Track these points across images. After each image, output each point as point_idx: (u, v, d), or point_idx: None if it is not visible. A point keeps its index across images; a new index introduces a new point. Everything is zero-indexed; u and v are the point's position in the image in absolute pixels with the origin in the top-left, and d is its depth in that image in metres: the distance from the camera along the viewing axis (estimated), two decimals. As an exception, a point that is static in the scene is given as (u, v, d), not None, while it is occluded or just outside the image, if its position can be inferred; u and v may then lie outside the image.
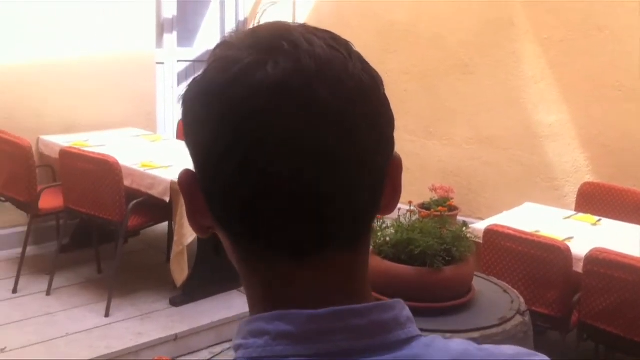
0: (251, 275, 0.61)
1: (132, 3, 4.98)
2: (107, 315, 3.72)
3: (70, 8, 4.70)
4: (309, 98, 0.55)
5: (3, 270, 4.25)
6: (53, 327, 3.60)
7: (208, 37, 6.09)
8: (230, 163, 0.56)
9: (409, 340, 0.59)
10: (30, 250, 4.26)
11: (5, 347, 3.37)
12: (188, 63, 5.78)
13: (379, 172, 0.60)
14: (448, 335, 2.36)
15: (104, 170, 3.68)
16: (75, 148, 3.98)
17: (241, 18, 5.94)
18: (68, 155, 3.87)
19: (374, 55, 0.93)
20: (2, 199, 4.22)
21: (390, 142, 0.61)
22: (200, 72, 0.60)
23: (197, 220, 0.62)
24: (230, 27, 5.97)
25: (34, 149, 4.19)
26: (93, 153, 3.82)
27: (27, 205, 4.03)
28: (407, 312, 0.62)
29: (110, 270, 3.98)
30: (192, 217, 0.62)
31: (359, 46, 0.62)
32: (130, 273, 4.23)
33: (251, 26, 0.59)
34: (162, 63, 5.51)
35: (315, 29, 0.60)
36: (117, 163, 3.67)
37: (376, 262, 2.39)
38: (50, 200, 4.05)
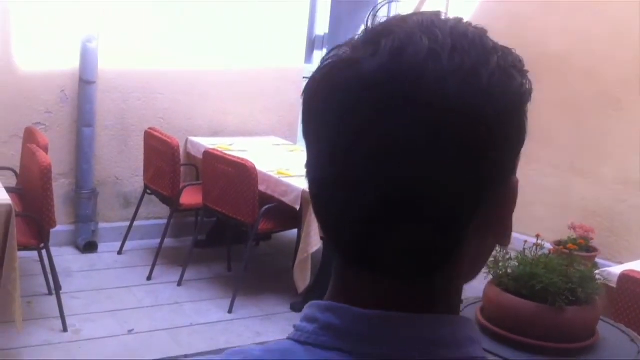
0: (334, 261, 0.61)
1: (287, 20, 5.19)
2: (230, 311, 3.87)
3: (226, 21, 4.97)
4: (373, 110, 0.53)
5: (142, 257, 4.54)
6: (179, 316, 3.80)
7: (356, 55, 6.20)
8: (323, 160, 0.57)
9: None
10: (168, 242, 4.53)
11: (133, 329, 3.60)
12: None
13: (460, 203, 0.54)
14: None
15: (241, 174, 3.85)
16: (217, 150, 4.19)
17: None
18: (210, 157, 4.08)
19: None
20: (149, 191, 4.52)
21: (484, 172, 0.55)
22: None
23: None
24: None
25: (182, 148, 4.46)
26: (233, 156, 4.00)
27: (170, 199, 4.29)
28: (470, 331, 0.58)
29: (239, 270, 4.14)
30: None
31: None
32: (258, 274, 4.38)
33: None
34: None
35: (454, 31, 0.55)
36: (254, 168, 3.83)
37: (494, 294, 2.34)
38: (191, 197, 4.29)
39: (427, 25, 0.55)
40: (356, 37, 0.57)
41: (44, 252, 3.52)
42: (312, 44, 5.68)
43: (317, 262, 3.93)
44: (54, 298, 3.59)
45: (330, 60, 0.57)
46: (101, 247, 4.67)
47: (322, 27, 5.70)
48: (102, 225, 4.81)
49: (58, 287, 3.65)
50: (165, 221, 4.43)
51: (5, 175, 4.18)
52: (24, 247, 3.42)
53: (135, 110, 4.81)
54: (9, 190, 3.64)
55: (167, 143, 4.22)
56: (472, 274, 0.61)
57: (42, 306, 3.73)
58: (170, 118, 4.89)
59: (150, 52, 4.77)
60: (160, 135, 4.34)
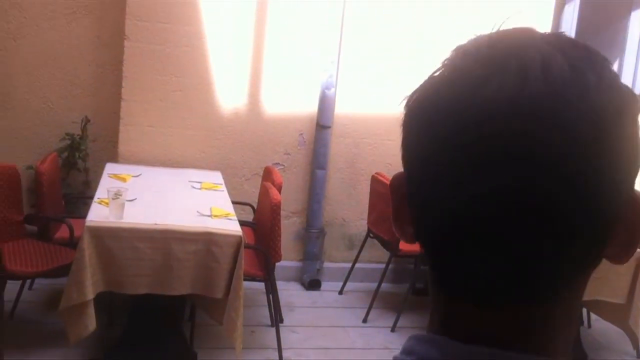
0: (434, 293, 0.59)
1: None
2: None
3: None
4: (523, 137, 0.49)
5: (360, 299, 4.64)
6: (389, 362, 3.80)
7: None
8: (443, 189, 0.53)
9: None
10: (386, 286, 4.57)
11: (343, 369, 3.67)
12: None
13: (598, 226, 0.51)
14: None
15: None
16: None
17: None
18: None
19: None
20: (371, 235, 4.62)
21: (622, 189, 0.52)
22: (431, 76, 0.57)
23: (402, 226, 0.60)
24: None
25: (406, 194, 4.50)
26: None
27: (390, 244, 4.34)
28: None
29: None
30: (397, 222, 0.61)
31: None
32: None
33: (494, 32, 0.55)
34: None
35: (569, 43, 0.53)
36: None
37: None
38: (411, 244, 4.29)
39: (556, 48, 0.52)
40: (477, 45, 0.54)
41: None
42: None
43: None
44: (274, 330, 3.78)
45: (451, 78, 0.54)
46: (324, 285, 4.85)
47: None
48: (326, 264, 5.00)
49: (279, 320, 3.85)
50: (384, 265, 4.49)
51: (244, 210, 4.54)
52: (251, 278, 3.67)
53: (366, 155, 4.98)
54: (244, 223, 3.95)
55: (388, 186, 4.28)
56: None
57: (263, 336, 3.95)
58: (397, 164, 4.80)
59: (382, 99, 4.92)
60: (384, 180, 4.43)
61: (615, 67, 3.92)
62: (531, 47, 0.51)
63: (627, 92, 0.53)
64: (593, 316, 4.23)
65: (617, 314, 3.66)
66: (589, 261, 0.54)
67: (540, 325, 0.54)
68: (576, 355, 3.79)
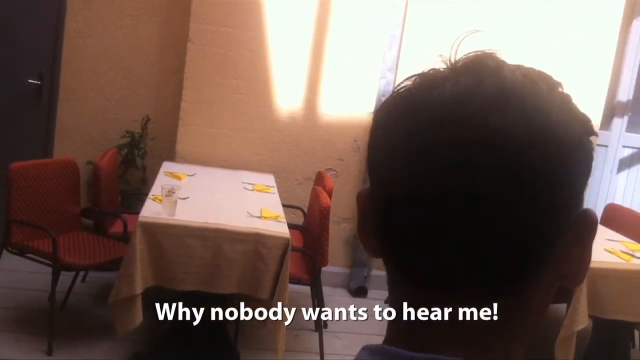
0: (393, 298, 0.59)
1: (585, 80, 4.92)
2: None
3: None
4: (476, 125, 0.50)
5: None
6: None
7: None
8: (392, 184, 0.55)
9: None
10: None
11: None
12: (634, 150, 5.46)
13: (539, 230, 0.52)
14: None
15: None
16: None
17: None
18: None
19: None
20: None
21: (563, 210, 0.52)
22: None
23: (367, 239, 0.61)
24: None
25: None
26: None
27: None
28: None
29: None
30: (363, 235, 0.62)
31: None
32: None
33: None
34: (605, 146, 5.32)
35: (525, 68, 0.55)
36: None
37: None
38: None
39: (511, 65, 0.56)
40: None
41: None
42: (613, 109, 5.31)
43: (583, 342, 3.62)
44: (318, 335, 3.77)
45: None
46: (371, 293, 4.83)
47: (626, 93, 5.31)
48: (374, 272, 4.98)
49: (323, 325, 3.86)
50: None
51: (295, 214, 4.57)
52: (297, 281, 3.69)
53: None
54: (293, 226, 3.98)
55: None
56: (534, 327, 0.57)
57: (306, 340, 3.96)
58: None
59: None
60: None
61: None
62: (490, 58, 0.55)
63: (580, 112, 0.54)
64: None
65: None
66: (532, 267, 0.54)
67: (494, 333, 0.55)
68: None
